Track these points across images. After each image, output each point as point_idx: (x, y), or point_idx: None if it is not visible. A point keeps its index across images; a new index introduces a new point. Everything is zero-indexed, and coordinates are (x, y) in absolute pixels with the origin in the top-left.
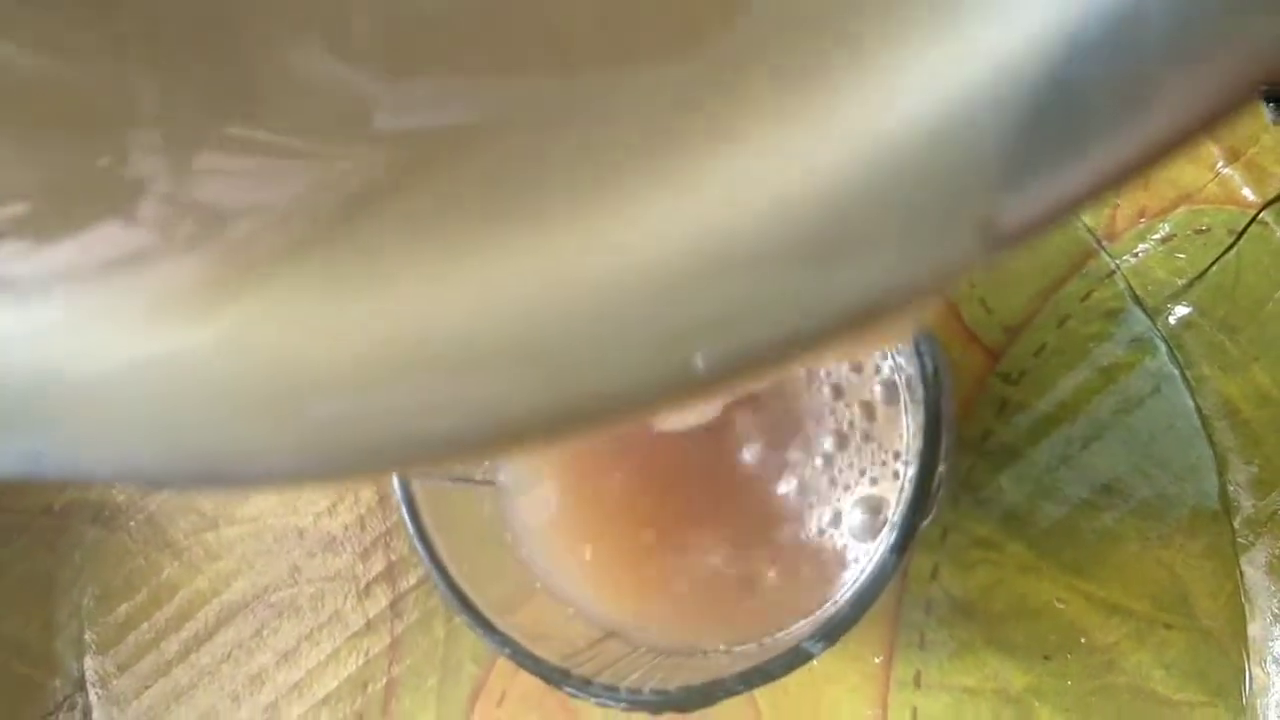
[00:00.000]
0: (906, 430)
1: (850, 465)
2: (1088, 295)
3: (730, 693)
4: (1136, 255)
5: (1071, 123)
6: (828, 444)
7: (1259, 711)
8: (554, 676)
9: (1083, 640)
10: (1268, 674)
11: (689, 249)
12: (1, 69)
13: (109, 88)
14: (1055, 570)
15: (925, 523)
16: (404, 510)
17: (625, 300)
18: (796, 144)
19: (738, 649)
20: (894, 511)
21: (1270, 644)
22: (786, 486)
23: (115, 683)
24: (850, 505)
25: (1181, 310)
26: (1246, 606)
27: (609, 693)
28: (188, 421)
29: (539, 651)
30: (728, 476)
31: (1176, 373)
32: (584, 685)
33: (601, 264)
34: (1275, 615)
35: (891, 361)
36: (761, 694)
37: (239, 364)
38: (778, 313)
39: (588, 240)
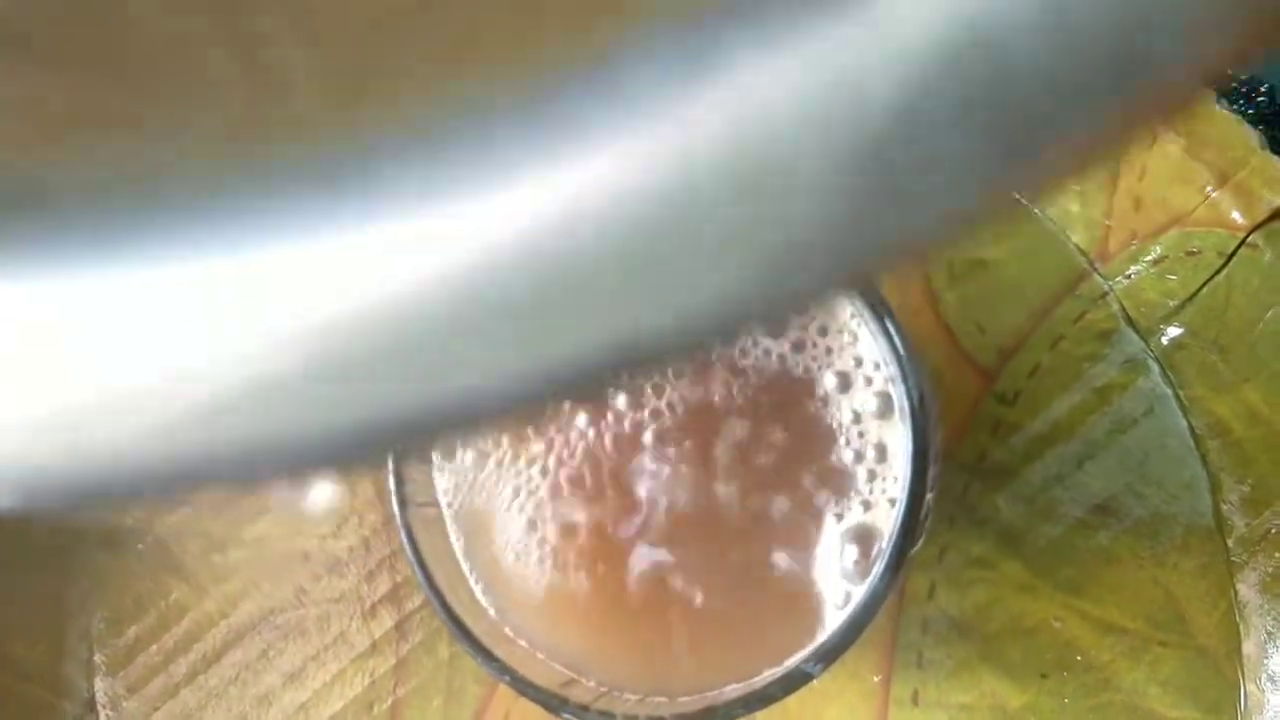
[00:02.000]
0: (903, 451)
1: (843, 490)
2: (1081, 316)
3: (729, 717)
4: (1129, 277)
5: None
6: (818, 466)
7: None
8: (552, 704)
9: (1079, 658)
10: (1262, 691)
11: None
12: None
13: None
14: (1051, 589)
15: (914, 550)
16: (403, 537)
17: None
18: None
19: (714, 693)
20: (886, 540)
21: (1265, 661)
22: (774, 514)
23: (125, 705)
24: (841, 536)
25: (1173, 331)
26: (1240, 624)
27: (605, 718)
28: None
29: (538, 680)
30: (705, 504)
31: (1169, 393)
32: (581, 712)
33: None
34: (1269, 633)
35: (884, 372)
36: (762, 713)
37: None
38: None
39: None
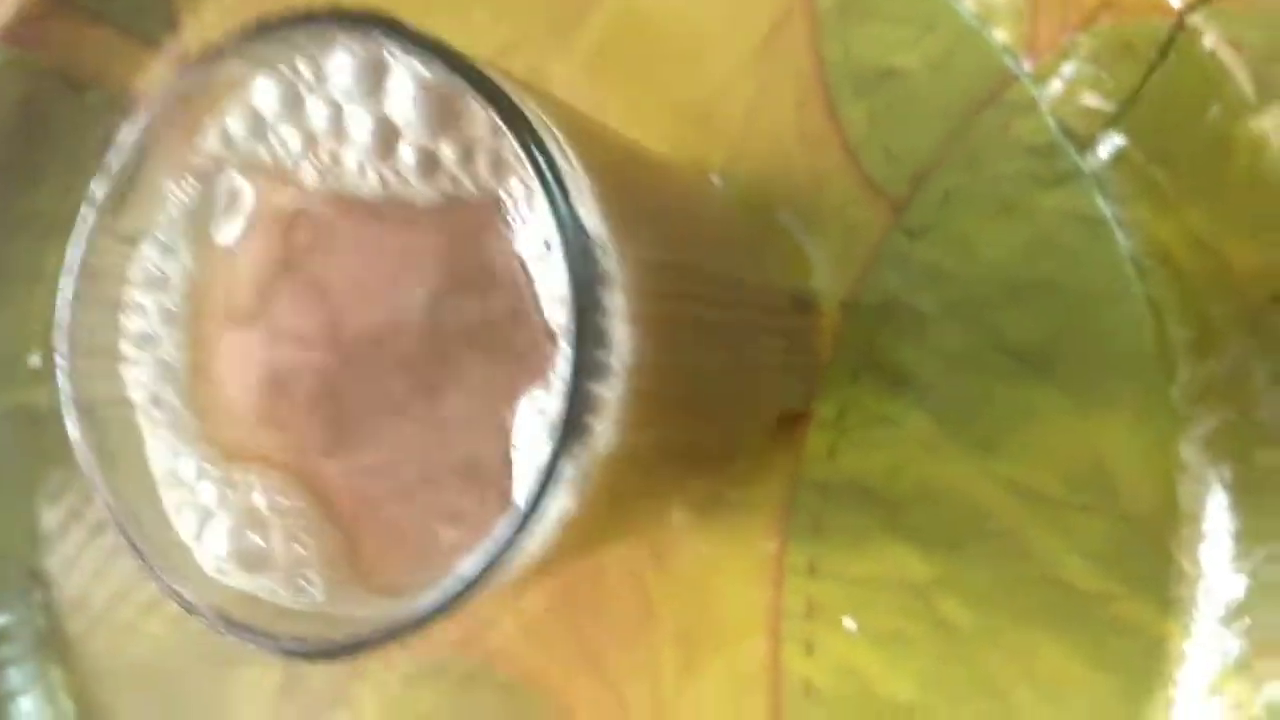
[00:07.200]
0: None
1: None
2: (1005, 128)
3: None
4: (1060, 77)
5: None
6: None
7: (1186, 606)
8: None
9: (991, 526)
10: (1198, 565)
11: None
12: None
13: None
14: (961, 449)
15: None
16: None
17: None
18: None
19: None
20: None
21: (1201, 532)
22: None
23: None
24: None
25: (1112, 141)
26: (1180, 490)
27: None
28: None
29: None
30: (375, 391)
31: (1108, 214)
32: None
33: None
34: (1209, 498)
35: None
36: (653, 583)
37: None
38: None
39: None
